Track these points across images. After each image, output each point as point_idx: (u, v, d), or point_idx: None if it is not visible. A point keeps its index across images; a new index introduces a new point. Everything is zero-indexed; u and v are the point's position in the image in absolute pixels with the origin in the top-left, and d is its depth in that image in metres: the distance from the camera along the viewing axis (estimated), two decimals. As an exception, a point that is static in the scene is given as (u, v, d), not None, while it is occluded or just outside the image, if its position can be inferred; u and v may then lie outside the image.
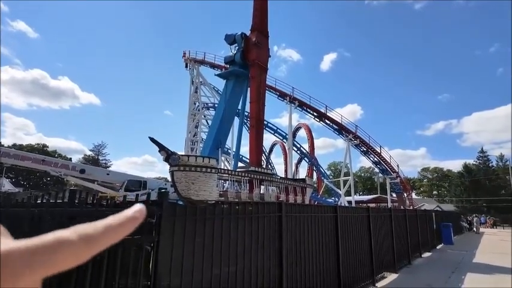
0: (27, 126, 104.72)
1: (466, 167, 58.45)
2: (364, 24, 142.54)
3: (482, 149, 60.32)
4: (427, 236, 16.07)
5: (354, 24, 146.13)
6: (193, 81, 33.09)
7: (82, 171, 22.33)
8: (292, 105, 27.37)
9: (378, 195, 46.19)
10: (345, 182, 29.56)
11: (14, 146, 57.56)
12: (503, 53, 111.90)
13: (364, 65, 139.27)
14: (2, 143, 57.50)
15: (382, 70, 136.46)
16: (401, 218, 12.28)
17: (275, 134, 32.61)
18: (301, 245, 6.04)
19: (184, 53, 34.22)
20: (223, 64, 24.01)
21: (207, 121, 33.07)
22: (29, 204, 3.00)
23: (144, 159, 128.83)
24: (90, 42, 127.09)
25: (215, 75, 21.24)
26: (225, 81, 17.82)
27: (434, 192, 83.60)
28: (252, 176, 12.82)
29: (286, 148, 33.08)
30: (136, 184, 23.10)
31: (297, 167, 42.74)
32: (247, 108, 17.40)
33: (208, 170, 10.16)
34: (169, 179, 10.45)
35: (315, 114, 28.36)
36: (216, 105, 28.38)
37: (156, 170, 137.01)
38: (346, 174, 31.62)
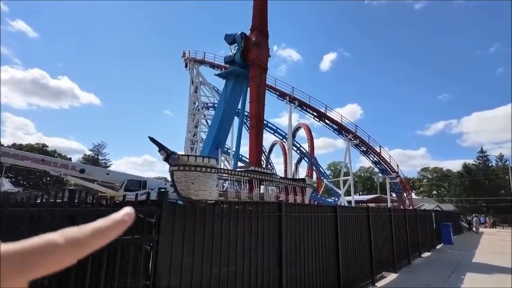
0: (27, 126, 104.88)
1: (465, 167, 58.45)
2: (364, 24, 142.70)
3: (482, 149, 60.28)
4: (427, 235, 16.08)
5: (354, 24, 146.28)
6: (193, 81, 33.09)
7: (82, 171, 22.33)
8: (292, 105, 27.37)
9: (378, 195, 46.21)
10: (345, 181, 29.57)
11: (14, 145, 57.54)
12: (503, 53, 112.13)
13: (364, 65, 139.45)
14: (2, 143, 57.49)
15: (382, 70, 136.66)
16: (401, 217, 12.28)
17: (275, 133, 32.66)
18: (301, 244, 6.04)
19: (184, 53, 34.21)
20: (223, 64, 24.02)
21: (206, 121, 33.09)
22: (28, 203, 3.00)
23: (144, 159, 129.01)
24: (90, 41, 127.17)
25: (215, 75, 21.25)
26: (224, 81, 17.82)
27: (434, 192, 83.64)
28: (252, 175, 12.82)
29: (286, 148, 33.08)
30: (136, 184, 23.11)
31: (296, 167, 42.76)
32: (247, 108, 17.41)
33: (208, 169, 10.16)
34: (169, 178, 10.44)
35: (314, 114, 28.37)
36: (215, 105, 28.38)
37: (156, 169, 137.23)
38: (346, 174, 31.63)
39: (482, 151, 59.07)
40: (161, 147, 9.86)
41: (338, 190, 30.16)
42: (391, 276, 9.64)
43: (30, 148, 57.35)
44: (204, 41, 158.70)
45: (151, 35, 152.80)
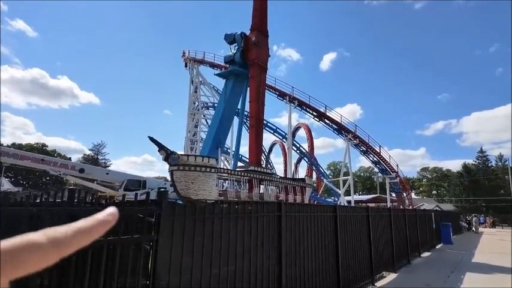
0: (27, 126, 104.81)
1: (465, 166, 58.47)
2: (364, 24, 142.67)
3: (481, 149, 60.26)
4: (427, 235, 16.09)
5: (354, 24, 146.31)
6: (192, 81, 33.08)
7: (81, 170, 22.31)
8: (292, 104, 27.37)
9: (378, 195, 46.22)
10: (345, 181, 29.58)
11: (13, 145, 57.50)
12: (503, 53, 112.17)
13: (363, 65, 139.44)
14: (1, 142, 57.44)
15: (382, 70, 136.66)
16: (400, 217, 12.29)
17: (274, 133, 32.66)
18: (301, 244, 6.04)
19: (184, 53, 34.20)
20: (222, 63, 23.99)
21: (206, 121, 33.08)
22: (27, 203, 3.00)
23: (144, 158, 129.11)
24: (90, 41, 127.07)
25: (215, 74, 21.24)
26: (224, 80, 17.81)
27: (434, 192, 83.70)
28: (252, 175, 12.82)
29: (286, 148, 33.08)
30: (136, 183, 23.10)
31: (296, 167, 42.76)
32: (247, 107, 17.40)
33: (208, 169, 10.16)
34: (169, 178, 10.44)
35: (314, 113, 28.37)
36: (215, 104, 28.38)
37: (156, 169, 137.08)
38: (346, 173, 31.65)
39: (481, 151, 59.11)
40: (161, 147, 9.86)
41: (338, 190, 30.17)
42: (390, 276, 9.64)
43: (29, 148, 57.31)
44: (204, 40, 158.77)
45: (151, 34, 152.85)
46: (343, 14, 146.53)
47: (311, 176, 33.00)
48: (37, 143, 66.95)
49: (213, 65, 30.51)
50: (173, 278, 3.59)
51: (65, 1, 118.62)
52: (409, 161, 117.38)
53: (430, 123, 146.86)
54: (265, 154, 37.84)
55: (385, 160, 30.34)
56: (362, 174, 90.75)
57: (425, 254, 14.43)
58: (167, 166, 9.98)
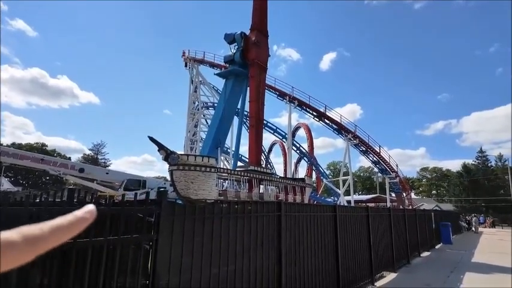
0: (26, 125, 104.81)
1: (465, 166, 58.49)
2: (364, 24, 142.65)
3: (481, 148, 60.27)
4: (426, 235, 16.10)
5: (354, 24, 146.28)
6: (192, 81, 33.08)
7: (81, 170, 22.31)
8: (292, 104, 27.37)
9: (377, 194, 46.21)
10: (344, 181, 29.59)
11: (13, 145, 57.46)
12: (503, 53, 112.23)
13: (363, 65, 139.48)
14: (1, 142, 57.42)
15: (382, 70, 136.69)
16: (400, 217, 12.29)
17: (274, 133, 32.66)
18: (300, 244, 6.04)
19: (184, 52, 34.19)
20: (222, 63, 23.99)
21: (206, 120, 33.09)
22: (27, 203, 3.00)
23: (144, 158, 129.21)
24: (89, 41, 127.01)
25: (214, 74, 21.21)
26: (224, 80, 17.80)
27: (434, 192, 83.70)
28: (252, 175, 12.81)
29: (286, 148, 33.09)
30: (136, 183, 23.10)
31: (296, 167, 42.77)
32: (247, 107, 17.40)
33: (208, 169, 10.16)
34: (169, 178, 10.44)
35: (314, 113, 28.38)
36: (215, 104, 28.38)
37: (156, 169, 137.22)
38: (346, 173, 31.68)
39: (481, 151, 59.13)
40: (161, 147, 9.86)
41: (337, 190, 30.18)
42: (390, 276, 9.65)
43: (29, 147, 57.29)
44: (204, 40, 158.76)
45: (151, 34, 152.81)
46: (343, 14, 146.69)
47: (311, 176, 33.01)
48: (37, 143, 66.95)
49: (212, 65, 30.50)
50: (173, 278, 3.59)
51: (65, 1, 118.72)
52: (408, 161, 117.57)
53: (430, 123, 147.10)
54: (265, 154, 37.85)
55: (385, 160, 30.35)
56: (362, 174, 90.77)
57: (425, 254, 14.43)
58: (167, 166, 9.98)
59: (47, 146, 67.78)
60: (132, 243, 3.41)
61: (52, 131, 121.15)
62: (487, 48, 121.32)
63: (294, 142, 33.09)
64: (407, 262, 11.82)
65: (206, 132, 22.22)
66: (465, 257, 13.68)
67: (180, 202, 8.22)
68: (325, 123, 28.71)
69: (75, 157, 76.78)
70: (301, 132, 39.64)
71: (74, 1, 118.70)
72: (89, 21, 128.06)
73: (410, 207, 25.87)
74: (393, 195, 32.69)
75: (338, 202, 26.47)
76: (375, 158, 30.42)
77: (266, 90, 18.35)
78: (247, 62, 16.25)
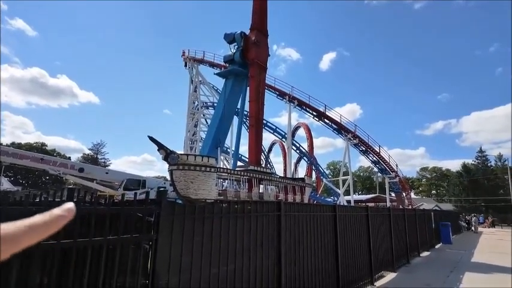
0: (26, 125, 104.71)
1: (464, 166, 58.52)
2: (364, 23, 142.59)
3: (481, 148, 60.24)
4: (426, 235, 16.11)
5: (354, 23, 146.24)
6: (192, 80, 33.07)
7: (81, 170, 22.32)
8: (292, 104, 27.37)
9: (377, 194, 46.24)
10: (344, 181, 29.60)
11: (13, 144, 57.42)
12: (502, 53, 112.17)
13: (363, 65, 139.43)
14: (1, 142, 57.39)
15: (381, 70, 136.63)
16: (400, 217, 12.30)
17: (274, 133, 32.66)
18: (300, 244, 6.04)
19: (184, 52, 34.18)
20: (222, 63, 23.99)
21: (206, 120, 33.08)
22: (27, 202, 2.99)
23: (143, 158, 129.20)
24: (89, 40, 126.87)
25: (214, 74, 21.24)
26: (224, 80, 17.81)
27: (433, 191, 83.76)
28: (251, 175, 12.82)
29: (286, 147, 33.10)
30: (135, 183, 23.11)
31: (296, 166, 42.79)
32: (247, 107, 17.41)
33: (208, 169, 10.16)
34: (169, 177, 10.45)
35: (314, 113, 28.38)
36: (215, 104, 28.36)
37: (155, 169, 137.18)
38: (345, 173, 31.69)
39: (481, 151, 59.15)
40: (160, 147, 9.87)
41: (337, 189, 30.19)
42: (390, 276, 9.65)
43: (29, 147, 57.27)
44: (204, 40, 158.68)
45: (151, 34, 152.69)
46: (343, 14, 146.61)
47: (310, 176, 33.05)
48: (36, 142, 66.91)
49: (212, 65, 30.50)
50: (172, 277, 3.59)
51: (65, 1, 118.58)
52: (408, 160, 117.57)
53: (430, 123, 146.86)
54: (264, 154, 37.85)
55: (385, 160, 30.36)
56: (361, 173, 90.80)
57: (425, 254, 14.44)
58: (167, 166, 9.99)
59: (46, 145, 67.84)
60: (131, 242, 3.41)
61: (52, 131, 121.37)
62: (487, 48, 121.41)
63: (294, 142, 33.12)
64: (407, 262, 11.83)
65: (206, 132, 22.23)
66: (465, 257, 13.69)
67: (180, 202, 8.21)
68: (325, 123, 28.72)
69: (74, 157, 76.81)
70: (301, 132, 39.69)
71: (73, 1, 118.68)
72: (88, 20, 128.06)
73: (410, 207, 25.89)
74: (393, 195, 32.70)
75: (338, 202, 26.48)
76: (374, 158, 30.43)
77: (266, 90, 18.35)
78: (247, 61, 16.26)
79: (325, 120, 28.48)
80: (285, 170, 37.82)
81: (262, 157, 27.25)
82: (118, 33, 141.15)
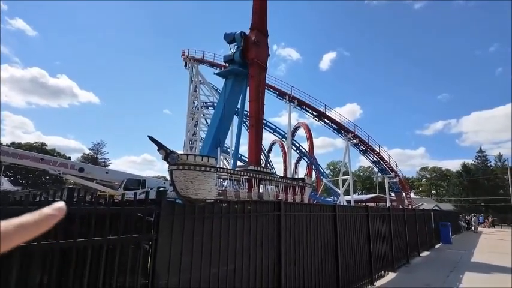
0: (26, 125, 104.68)
1: (464, 166, 58.54)
2: (364, 23, 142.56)
3: (480, 148, 60.28)
4: (426, 235, 16.11)
5: (354, 23, 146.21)
6: (192, 80, 33.07)
7: (81, 169, 22.32)
8: (292, 104, 27.37)
9: (377, 194, 46.25)
10: (344, 181, 29.60)
11: (13, 144, 57.42)
12: (502, 53, 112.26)
13: (363, 65, 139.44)
14: (1, 141, 57.37)
15: (381, 70, 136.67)
16: (400, 217, 12.30)
17: (274, 133, 32.66)
18: (300, 243, 6.05)
19: (184, 52, 34.18)
20: (222, 63, 23.99)
21: (206, 120, 33.08)
22: (27, 202, 2.99)
23: (143, 158, 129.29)
24: (89, 40, 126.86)
25: (214, 74, 21.23)
26: (224, 80, 17.80)
27: (433, 191, 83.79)
28: (251, 175, 12.82)
29: (285, 147, 33.09)
30: (135, 183, 23.12)
31: (296, 166, 42.79)
32: (247, 107, 17.41)
33: (207, 169, 10.16)
34: (168, 177, 10.45)
35: (314, 113, 28.38)
36: (215, 104, 28.36)
37: (155, 168, 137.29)
38: (345, 173, 31.69)
39: (481, 151, 59.18)
40: (160, 146, 9.87)
41: (337, 189, 30.19)
42: (389, 276, 9.65)
43: (29, 147, 57.26)
44: (204, 40, 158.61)
45: (151, 33, 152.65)
46: (343, 13, 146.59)
47: (310, 176, 33.05)
48: (36, 142, 66.91)
49: (212, 64, 30.50)
50: (172, 277, 3.59)
51: (65, 1, 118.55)
52: (408, 160, 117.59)
53: (430, 123, 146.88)
54: (264, 153, 37.85)
55: (385, 160, 30.37)
56: (361, 173, 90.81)
57: (425, 254, 14.45)
58: (167, 165, 9.99)
59: (46, 145, 67.82)
60: (131, 242, 3.41)
61: (52, 131, 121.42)
62: (487, 48, 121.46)
63: (294, 142, 33.11)
64: (407, 262, 11.83)
65: (206, 132, 22.23)
66: (464, 257, 13.69)
67: (180, 201, 8.22)
68: (325, 122, 28.72)
69: (74, 156, 76.79)
70: (301, 132, 39.68)
71: (73, 1, 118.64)
72: (88, 20, 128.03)
73: (409, 207, 25.89)
74: (393, 194, 32.71)
75: (338, 202, 26.48)
76: (374, 158, 30.44)
77: (266, 90, 18.34)
78: (247, 61, 16.25)
79: (325, 120, 28.48)
80: (285, 170, 37.82)
81: (262, 157, 27.25)
82: (118, 33, 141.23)
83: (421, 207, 28.03)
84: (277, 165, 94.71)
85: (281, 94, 27.60)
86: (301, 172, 41.64)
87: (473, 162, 59.20)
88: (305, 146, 36.33)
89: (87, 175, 22.59)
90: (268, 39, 17.05)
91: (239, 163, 26.08)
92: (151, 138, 9.78)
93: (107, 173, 24.92)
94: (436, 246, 17.40)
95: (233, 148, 23.33)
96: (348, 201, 27.98)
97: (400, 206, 26.53)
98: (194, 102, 33.20)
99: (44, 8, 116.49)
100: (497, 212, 46.82)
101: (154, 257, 3.45)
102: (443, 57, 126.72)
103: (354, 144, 29.39)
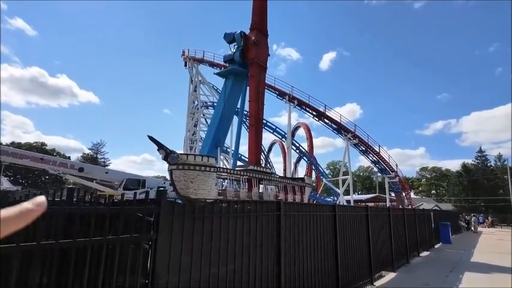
0: (26, 125, 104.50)
1: (464, 166, 58.60)
2: (364, 23, 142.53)
3: (480, 148, 60.41)
4: (426, 235, 16.12)
5: (354, 23, 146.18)
6: (192, 80, 33.07)
7: (81, 169, 22.32)
8: (291, 104, 27.38)
9: (377, 194, 46.28)
10: (344, 181, 29.61)
11: (13, 144, 57.38)
12: (502, 53, 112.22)
13: (363, 65, 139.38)
14: (1, 141, 57.34)
15: (381, 69, 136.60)
16: (399, 217, 12.31)
17: (274, 133, 32.66)
18: (300, 243, 6.05)
19: (184, 52, 34.19)
20: (222, 63, 23.99)
21: (206, 120, 33.09)
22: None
23: (143, 157, 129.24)
24: (89, 40, 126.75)
25: (214, 73, 21.22)
26: (224, 79, 17.80)
27: (433, 191, 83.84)
28: (251, 174, 12.82)
29: (285, 147, 33.10)
30: (135, 183, 23.13)
31: (295, 166, 42.81)
32: (247, 107, 17.41)
33: (207, 168, 10.16)
34: (168, 177, 10.45)
35: (314, 113, 28.39)
36: (215, 104, 28.37)
37: (155, 168, 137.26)
38: (345, 173, 31.71)
39: (481, 151, 59.26)
40: (160, 146, 9.87)
41: (337, 189, 30.20)
42: (389, 276, 9.66)
43: (29, 147, 57.24)
44: (204, 40, 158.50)
45: (151, 33, 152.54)
46: (343, 13, 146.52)
47: (310, 176, 33.08)
48: (36, 142, 66.86)
49: (212, 64, 30.50)
50: (172, 277, 3.59)
51: (65, 0, 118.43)
52: (408, 160, 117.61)
53: (430, 123, 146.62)
54: (264, 153, 37.85)
55: (385, 160, 30.38)
56: (361, 173, 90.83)
57: (424, 254, 14.46)
58: (167, 165, 9.99)
59: (46, 145, 67.76)
60: (131, 242, 3.41)
61: (51, 130, 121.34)
62: (486, 48, 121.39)
63: (294, 142, 33.12)
64: (407, 262, 11.84)
65: (206, 132, 22.23)
66: (464, 257, 13.70)
67: (180, 201, 8.22)
68: (325, 122, 28.73)
69: (74, 156, 76.68)
70: (301, 132, 39.70)
71: (73, 0, 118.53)
72: (88, 20, 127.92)
73: (409, 207, 25.91)
74: (392, 194, 32.73)
75: (337, 202, 26.49)
76: (374, 158, 30.45)
77: (266, 90, 18.34)
78: (247, 61, 16.25)
79: (325, 120, 28.49)
80: (284, 169, 37.83)
81: (262, 157, 27.25)
82: (118, 33, 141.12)
83: (420, 207, 28.03)
84: (277, 165, 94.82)
85: (281, 94, 27.61)
86: (301, 172, 41.70)
87: (473, 162, 59.30)
88: (305, 146, 36.38)
89: (87, 175, 22.59)
90: (268, 39, 17.05)
91: (239, 163, 26.10)
92: (151, 138, 9.78)
93: (106, 172, 24.92)
94: (436, 246, 17.41)
95: (233, 148, 23.33)
96: (348, 201, 27.99)
97: (400, 206, 26.53)
98: (194, 102, 33.20)
99: (44, 7, 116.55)
100: (497, 212, 46.86)
101: (154, 256, 3.46)
102: (443, 57, 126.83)
103: (354, 144, 29.40)
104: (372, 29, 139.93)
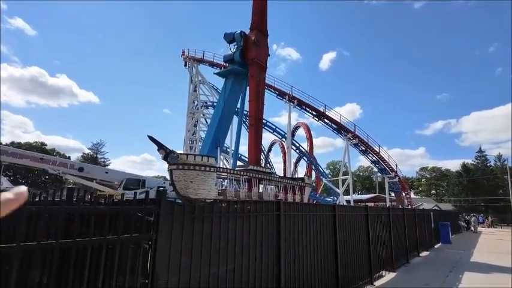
0: (26, 124, 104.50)
1: (464, 166, 58.62)
2: (364, 23, 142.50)
3: (480, 148, 60.45)
4: (425, 235, 16.13)
5: (353, 23, 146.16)
6: (192, 80, 33.07)
7: (80, 169, 22.31)
8: (291, 104, 27.38)
9: (377, 194, 46.28)
10: (344, 181, 29.62)
11: (12, 143, 57.36)
12: (502, 52, 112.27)
13: (363, 64, 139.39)
14: (0, 141, 57.32)
15: (381, 69, 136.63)
16: (399, 217, 12.31)
17: (274, 133, 32.66)
18: (299, 243, 6.05)
19: (184, 52, 34.18)
20: (222, 63, 23.99)
21: (206, 120, 33.09)
22: (26, 202, 2.99)
23: (143, 157, 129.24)
24: (89, 39, 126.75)
25: (214, 73, 21.21)
26: (224, 79, 17.80)
27: (433, 191, 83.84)
28: (251, 174, 12.82)
29: (285, 147, 33.10)
30: (135, 182, 23.13)
31: (295, 166, 42.82)
32: (246, 107, 17.40)
33: (207, 168, 10.16)
34: (168, 177, 10.45)
35: (314, 113, 28.39)
36: (215, 103, 28.38)
37: (155, 168, 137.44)
38: (345, 173, 31.71)
39: (480, 151, 59.29)
40: (160, 146, 9.86)
41: (337, 189, 30.21)
42: (389, 275, 9.67)
43: (28, 146, 57.22)
44: (204, 40, 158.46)
45: (151, 33, 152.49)
46: (343, 13, 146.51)
47: (310, 176, 33.10)
48: (36, 142, 66.84)
49: (212, 64, 30.50)
50: (172, 277, 3.59)
51: (65, 0, 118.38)
52: (408, 160, 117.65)
53: (430, 123, 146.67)
54: (264, 153, 37.85)
55: (384, 160, 30.38)
56: (361, 173, 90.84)
57: (424, 254, 14.46)
58: (166, 165, 9.99)
59: (46, 145, 67.72)
60: (131, 242, 3.41)
61: (51, 130, 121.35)
62: (486, 48, 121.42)
63: (294, 141, 33.12)
64: (407, 261, 11.84)
65: (206, 132, 22.23)
66: (464, 257, 13.71)
67: (180, 201, 8.22)
68: (325, 122, 28.73)
69: (74, 156, 76.64)
70: (301, 132, 39.72)
71: (73, 0, 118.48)
72: (88, 20, 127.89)
73: (409, 207, 25.91)
74: (392, 194, 32.74)
75: (337, 201, 26.50)
76: (374, 158, 30.45)
77: (266, 90, 18.34)
78: (247, 61, 16.25)
79: (325, 120, 28.49)
80: (284, 169, 37.84)
81: (262, 157, 27.25)
82: (118, 32, 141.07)
83: (420, 207, 28.00)
84: (277, 165, 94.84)
85: (281, 94, 27.61)
86: (301, 172, 41.71)
87: (472, 162, 59.32)
88: (305, 145, 36.39)
89: (87, 175, 22.59)
90: (268, 39, 17.05)
91: (239, 163, 26.11)
92: (151, 138, 9.77)
93: (106, 172, 24.91)
94: (436, 246, 17.42)
95: (233, 148, 23.32)
96: (348, 201, 28.00)
97: (400, 206, 26.54)
98: (194, 102, 33.20)
99: (44, 7, 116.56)
100: (497, 212, 46.87)
101: (153, 256, 3.45)
102: (443, 57, 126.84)
103: (354, 144, 29.40)
104: (372, 29, 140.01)
